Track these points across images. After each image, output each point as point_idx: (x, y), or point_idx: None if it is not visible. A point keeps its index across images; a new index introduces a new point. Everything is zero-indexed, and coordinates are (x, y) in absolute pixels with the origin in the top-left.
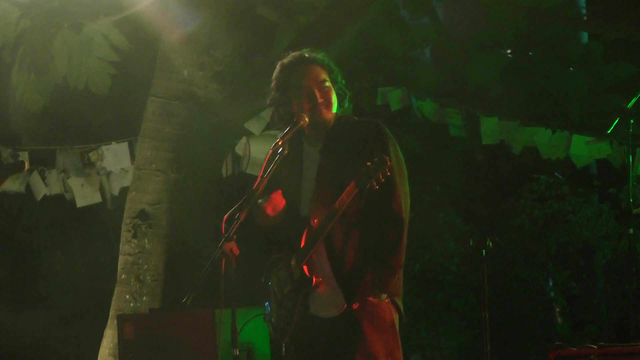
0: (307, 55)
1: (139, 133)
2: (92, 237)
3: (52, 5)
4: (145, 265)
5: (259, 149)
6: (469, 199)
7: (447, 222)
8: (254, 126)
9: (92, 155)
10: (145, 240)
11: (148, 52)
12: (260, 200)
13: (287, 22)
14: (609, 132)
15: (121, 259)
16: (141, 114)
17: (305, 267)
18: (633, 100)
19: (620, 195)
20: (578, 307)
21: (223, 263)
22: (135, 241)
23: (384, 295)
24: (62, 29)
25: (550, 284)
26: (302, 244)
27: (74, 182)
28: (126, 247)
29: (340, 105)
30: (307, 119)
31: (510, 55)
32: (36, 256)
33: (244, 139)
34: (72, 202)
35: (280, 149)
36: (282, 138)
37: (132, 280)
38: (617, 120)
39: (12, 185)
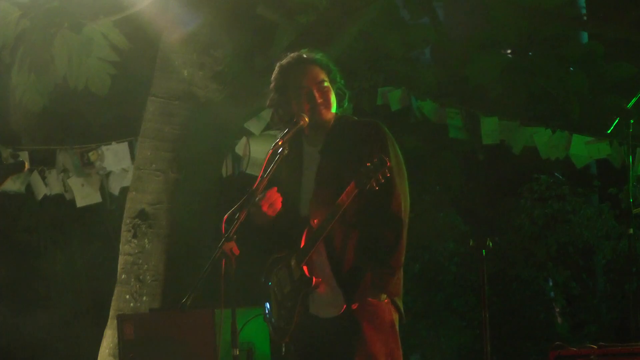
0: (305, 55)
1: (139, 133)
2: (92, 237)
3: (52, 5)
4: (145, 265)
5: (259, 149)
6: (469, 199)
7: (447, 222)
8: (254, 126)
9: (92, 155)
10: (145, 240)
11: (148, 52)
12: (257, 199)
13: (287, 22)
14: (609, 132)
15: (121, 259)
16: (141, 114)
17: (305, 267)
18: (633, 100)
19: (620, 195)
20: (578, 307)
21: (223, 263)
22: (135, 241)
23: (384, 296)
24: (62, 29)
25: (550, 284)
26: (302, 244)
27: (74, 182)
28: (126, 247)
29: (339, 105)
30: (307, 119)
31: (510, 55)
32: (36, 256)
33: (244, 139)
34: (72, 202)
35: (280, 149)
36: (282, 138)
37: (132, 280)
38: (617, 120)
39: (12, 185)
